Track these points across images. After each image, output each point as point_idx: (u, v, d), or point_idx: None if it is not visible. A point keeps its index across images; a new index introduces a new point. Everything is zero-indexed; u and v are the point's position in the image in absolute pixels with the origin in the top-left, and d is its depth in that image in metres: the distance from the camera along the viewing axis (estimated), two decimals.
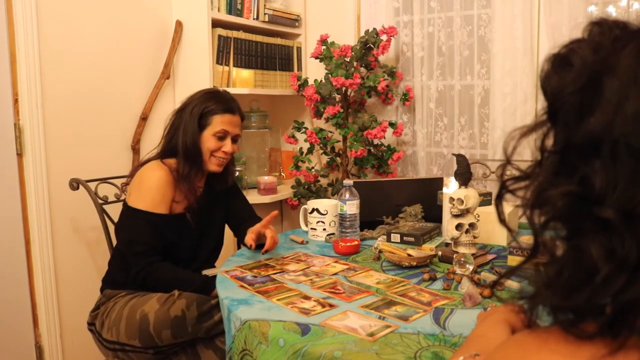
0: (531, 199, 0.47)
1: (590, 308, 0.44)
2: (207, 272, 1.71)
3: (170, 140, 1.70)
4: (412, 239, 1.69)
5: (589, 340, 0.44)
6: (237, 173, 2.58)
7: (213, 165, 1.71)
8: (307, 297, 1.27)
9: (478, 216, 1.54)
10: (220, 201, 1.83)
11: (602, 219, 0.41)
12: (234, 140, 1.74)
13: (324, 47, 2.63)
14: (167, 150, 1.71)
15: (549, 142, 0.47)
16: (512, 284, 1.33)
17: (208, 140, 1.68)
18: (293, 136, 2.70)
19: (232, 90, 2.58)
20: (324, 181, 2.81)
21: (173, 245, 1.66)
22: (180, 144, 1.66)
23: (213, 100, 1.69)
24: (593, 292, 0.42)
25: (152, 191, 1.62)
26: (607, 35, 0.45)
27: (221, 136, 1.69)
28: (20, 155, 1.99)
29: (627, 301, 0.41)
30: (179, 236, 1.67)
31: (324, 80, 2.60)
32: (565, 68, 0.46)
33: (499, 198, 0.51)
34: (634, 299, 0.41)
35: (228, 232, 1.92)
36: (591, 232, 0.42)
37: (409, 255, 1.51)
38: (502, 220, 0.53)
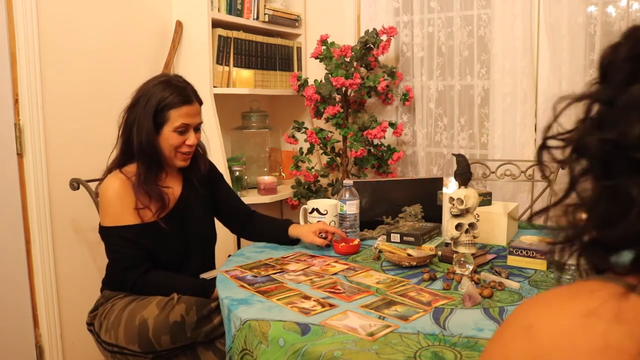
0: (572, 143, 0.54)
1: (623, 242, 0.50)
2: (205, 275, 1.68)
3: (126, 141, 1.59)
4: (412, 239, 1.69)
5: (610, 281, 0.50)
6: (237, 173, 2.58)
7: (179, 161, 1.62)
8: (307, 297, 1.27)
9: (478, 216, 1.54)
10: (202, 194, 1.73)
11: (638, 162, 0.48)
12: (196, 129, 1.63)
13: (324, 47, 2.63)
14: (125, 154, 1.60)
15: (594, 107, 0.54)
16: (512, 284, 1.33)
17: (169, 137, 1.57)
18: (293, 136, 2.70)
19: (232, 91, 2.59)
20: (324, 181, 2.81)
21: (155, 252, 1.60)
22: (135, 144, 1.55)
23: (167, 92, 1.56)
24: (629, 224, 0.49)
25: (112, 205, 1.56)
26: None
27: (182, 130, 1.58)
28: (20, 155, 1.99)
29: None
30: (156, 244, 1.59)
31: (324, 80, 2.60)
32: (625, 40, 0.54)
33: (542, 147, 0.57)
34: None
35: (225, 230, 1.90)
36: (628, 172, 0.49)
37: (409, 255, 1.51)
38: (541, 170, 0.59)
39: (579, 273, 0.55)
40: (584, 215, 0.53)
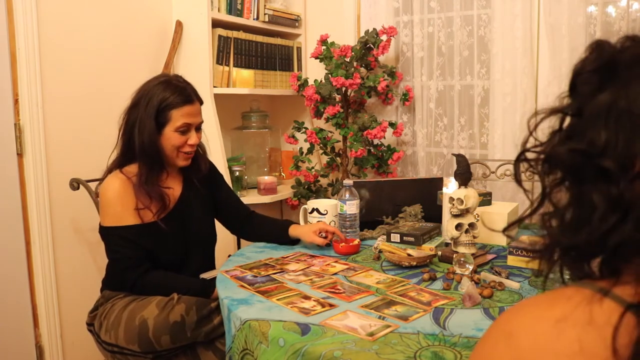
0: (544, 154, 0.57)
1: (590, 246, 0.52)
2: (205, 275, 1.68)
3: (127, 142, 1.59)
4: (412, 239, 1.69)
5: (585, 286, 0.52)
6: (237, 173, 2.58)
7: (181, 161, 1.63)
8: (307, 297, 1.27)
9: (478, 216, 1.54)
10: (202, 194, 1.73)
11: (602, 169, 0.51)
12: (198, 128, 1.64)
13: (324, 47, 2.63)
14: (126, 154, 1.60)
15: (566, 120, 0.57)
16: (512, 284, 1.33)
17: (171, 137, 1.57)
18: (293, 136, 2.70)
19: (232, 91, 2.59)
20: (324, 181, 2.81)
21: (155, 252, 1.60)
22: (137, 144, 1.55)
23: (168, 92, 1.56)
24: (592, 229, 0.51)
25: (112, 205, 1.55)
26: (637, 42, 0.56)
27: (184, 130, 1.58)
28: (20, 155, 1.99)
29: (617, 243, 0.50)
30: (156, 244, 1.59)
31: (324, 80, 2.60)
32: (590, 53, 0.57)
33: (518, 160, 0.59)
34: (623, 241, 0.50)
35: (225, 230, 1.90)
36: (592, 179, 0.52)
37: (409, 255, 1.51)
38: (518, 181, 0.61)
39: (562, 280, 0.56)
40: (557, 223, 0.56)
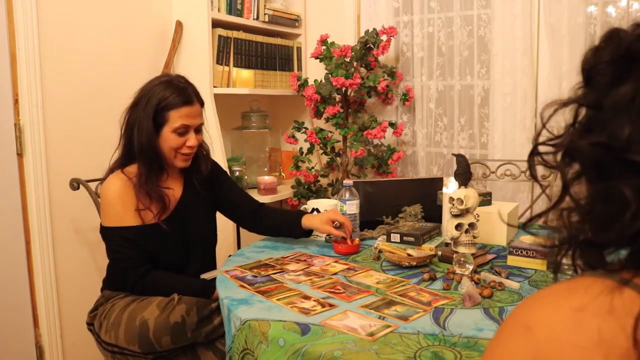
0: (563, 148, 0.55)
1: (619, 242, 0.51)
2: (206, 275, 1.68)
3: (128, 142, 1.58)
4: (412, 239, 1.69)
5: (604, 276, 0.50)
6: (237, 173, 2.58)
7: (180, 162, 1.61)
8: (307, 297, 1.27)
9: (478, 216, 1.54)
10: (203, 195, 1.71)
11: (630, 163, 0.49)
12: (197, 130, 1.61)
13: (324, 47, 2.63)
14: (127, 154, 1.59)
15: (582, 111, 0.55)
16: (512, 284, 1.33)
17: (169, 138, 1.55)
18: (293, 136, 2.70)
19: (232, 91, 2.59)
20: (324, 181, 2.81)
21: (155, 253, 1.59)
22: (136, 145, 1.55)
23: (168, 92, 1.54)
24: (623, 226, 0.49)
25: (113, 205, 1.55)
26: None
27: (182, 131, 1.56)
28: (20, 155, 1.99)
29: None
30: (157, 245, 1.58)
31: (324, 80, 2.60)
32: (606, 43, 0.55)
33: (532, 154, 0.58)
34: None
35: (225, 230, 1.90)
36: (621, 174, 0.50)
37: (409, 255, 1.51)
38: (533, 175, 0.60)
39: (575, 271, 0.55)
40: (578, 218, 0.54)
